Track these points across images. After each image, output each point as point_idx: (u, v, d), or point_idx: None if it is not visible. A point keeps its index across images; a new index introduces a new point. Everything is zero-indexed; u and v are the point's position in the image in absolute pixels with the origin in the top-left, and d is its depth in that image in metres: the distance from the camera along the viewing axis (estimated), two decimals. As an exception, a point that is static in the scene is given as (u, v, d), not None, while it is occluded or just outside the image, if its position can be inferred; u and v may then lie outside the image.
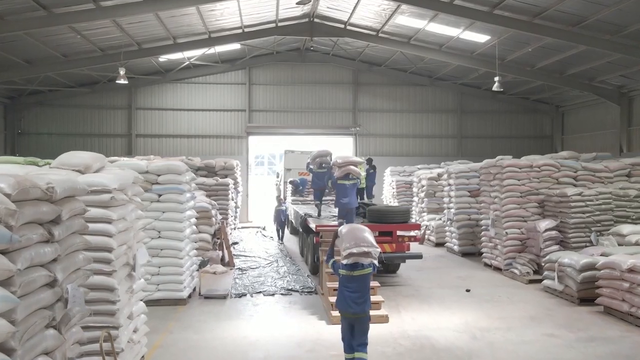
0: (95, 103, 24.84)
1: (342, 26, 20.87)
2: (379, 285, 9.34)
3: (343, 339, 6.18)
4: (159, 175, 9.50)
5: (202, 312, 9.19)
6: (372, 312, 7.88)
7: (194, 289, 10.46)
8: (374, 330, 7.90)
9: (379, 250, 6.25)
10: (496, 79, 18.90)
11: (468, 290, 10.78)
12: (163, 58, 22.46)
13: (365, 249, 5.94)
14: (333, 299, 8.75)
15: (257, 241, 18.65)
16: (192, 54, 22.63)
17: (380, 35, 20.76)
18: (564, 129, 26.43)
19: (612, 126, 22.37)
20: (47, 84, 22.56)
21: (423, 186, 18.89)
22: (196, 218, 13.32)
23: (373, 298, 8.62)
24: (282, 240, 18.41)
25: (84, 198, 4.99)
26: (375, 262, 6.16)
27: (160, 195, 9.51)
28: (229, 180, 19.43)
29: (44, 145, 23.80)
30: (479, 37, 18.80)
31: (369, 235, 6.19)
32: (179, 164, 9.72)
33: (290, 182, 21.37)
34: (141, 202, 6.54)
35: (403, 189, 21.90)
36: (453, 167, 16.51)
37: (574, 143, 24.64)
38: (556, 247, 11.64)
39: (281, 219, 18.49)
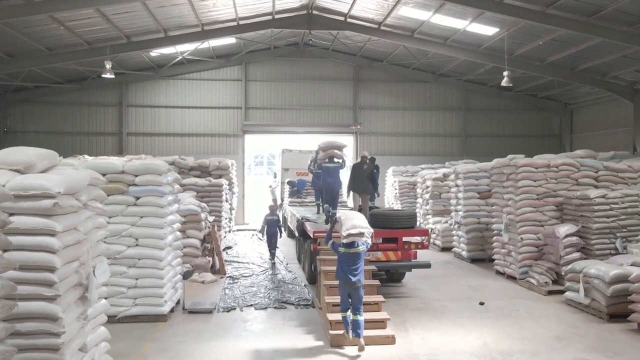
0: (85, 100, 23.79)
1: (342, 19, 19.81)
2: (384, 300, 8.28)
3: (342, 300, 7.49)
4: (136, 176, 8.47)
5: (184, 331, 8.13)
6: (376, 332, 7.29)
7: (178, 302, 9.41)
8: (380, 355, 6.90)
9: (372, 230, 7.72)
10: (505, 73, 17.87)
11: (482, 304, 9.73)
12: (155, 52, 21.44)
13: (360, 230, 7.38)
14: (332, 316, 7.79)
15: (252, 245, 17.59)
16: (185, 49, 21.58)
17: (382, 28, 19.71)
18: (573, 127, 25.41)
19: (624, 124, 21.36)
20: (32, 80, 21.51)
21: (428, 187, 17.87)
22: (184, 222, 12.35)
23: (377, 315, 7.87)
24: (273, 258, 14.23)
25: (17, 205, 3.97)
26: (369, 240, 7.58)
27: (138, 198, 8.47)
28: (223, 181, 18.47)
29: (31, 144, 22.14)
30: (487, 30, 17.76)
31: (362, 220, 7.68)
32: (158, 162, 8.69)
33: (288, 183, 20.43)
34: (102, 208, 5.50)
35: (406, 189, 20.90)
36: (461, 166, 15.47)
37: (584, 142, 23.60)
38: (577, 254, 10.59)
39: (273, 232, 14.17)
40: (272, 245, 14.21)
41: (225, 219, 18.87)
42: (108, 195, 8.25)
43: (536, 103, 25.67)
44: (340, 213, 8.17)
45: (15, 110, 23.39)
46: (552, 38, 16.95)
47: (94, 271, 4.97)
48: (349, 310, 7.39)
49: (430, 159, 23.41)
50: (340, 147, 11.57)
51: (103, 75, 17.82)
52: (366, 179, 10.65)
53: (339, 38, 22.26)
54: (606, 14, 14.50)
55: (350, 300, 7.39)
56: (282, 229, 14.65)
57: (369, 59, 24.78)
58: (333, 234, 7.84)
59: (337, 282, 8.13)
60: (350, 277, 7.29)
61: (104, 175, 8.30)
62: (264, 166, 49.47)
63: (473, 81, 24.77)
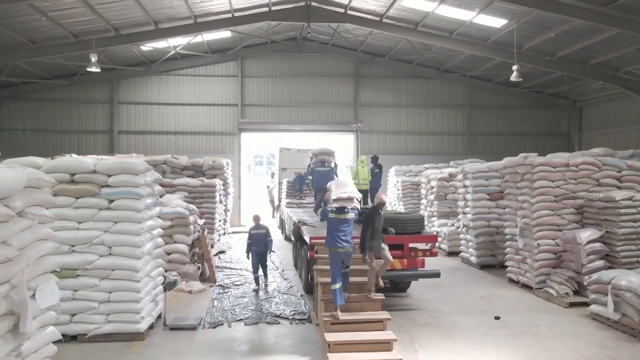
0: (74, 97, 22.83)
1: (342, 10, 18.82)
2: (389, 317, 7.28)
3: (332, 272, 7.40)
4: (109, 176, 7.50)
5: (162, 352, 7.16)
6: (381, 356, 6.68)
7: (160, 316, 8.45)
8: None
9: (360, 196, 8.08)
10: (514, 67, 16.88)
11: (497, 318, 8.77)
12: (146, 47, 20.46)
13: (349, 195, 7.66)
14: (331, 337, 6.80)
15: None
16: (178, 43, 20.60)
17: (384, 20, 18.74)
18: (581, 125, 24.47)
19: (637, 122, 20.45)
20: (18, 75, 20.54)
21: (432, 187, 16.92)
22: (171, 226, 11.49)
23: (381, 335, 6.92)
24: (258, 284, 11.02)
25: None
26: (358, 206, 7.88)
27: (111, 201, 7.50)
28: (217, 181, 17.58)
29: (18, 143, 21.95)
30: (495, 22, 16.80)
31: (351, 187, 8.07)
32: (135, 161, 7.72)
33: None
34: (49, 216, 4.53)
35: (409, 190, 19.96)
36: (469, 166, 14.49)
37: (593, 141, 22.65)
38: (601, 262, 9.65)
39: (260, 250, 10.96)
40: (258, 268, 11.01)
41: (219, 221, 17.97)
42: (77, 198, 7.39)
43: (543, 100, 24.73)
44: (330, 182, 8.61)
45: (2, 107, 22.43)
46: (564, 30, 16.00)
47: (34, 294, 4.01)
48: (340, 284, 7.37)
49: (434, 158, 22.53)
50: (330, 153, 13.18)
51: (88, 69, 16.81)
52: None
53: (339, 32, 21.30)
54: (623, 4, 13.61)
55: (341, 267, 7.53)
56: (272, 247, 11.46)
57: (370, 54, 23.83)
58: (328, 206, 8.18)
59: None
60: (341, 242, 7.41)
61: (73, 175, 7.43)
62: (264, 166, 48.62)
63: (478, 77, 23.84)
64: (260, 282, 11.09)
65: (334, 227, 7.49)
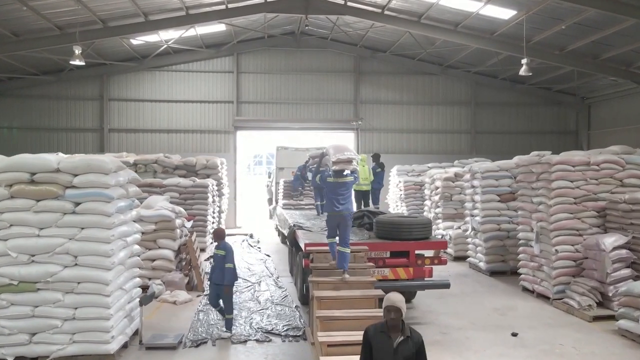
0: (62, 93, 21.89)
1: (342, 2, 17.90)
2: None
3: (329, 228, 7.63)
4: (75, 176, 6.58)
5: (134, 377, 6.28)
6: None
7: (136, 332, 7.52)
8: None
9: (359, 157, 8.40)
10: (524, 61, 15.94)
11: (515, 335, 7.85)
12: (137, 40, 19.56)
13: (349, 157, 7.68)
14: (327, 362, 5.88)
15: (241, 253, 15.65)
16: (170, 36, 19.69)
17: (386, 12, 17.80)
18: (590, 123, 23.55)
19: (650, 119, 19.53)
20: (3, 70, 19.63)
21: (437, 188, 16.01)
22: (155, 230, 10.60)
23: None
24: (230, 328, 7.84)
25: None
26: (357, 168, 8.20)
27: (77, 205, 6.58)
28: (209, 181, 16.68)
29: (4, 141, 20.99)
30: (503, 13, 15.89)
31: (350, 149, 8.08)
32: (104, 159, 6.79)
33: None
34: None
35: (412, 190, 19.02)
36: (477, 165, 13.56)
37: (603, 139, 21.70)
38: (627, 271, 8.73)
39: (217, 277, 7.80)
40: (218, 302, 7.89)
41: (212, 223, 17.05)
42: (38, 201, 6.49)
43: (551, 97, 23.82)
44: (327, 145, 8.69)
45: (-14, 104, 21.58)
46: (577, 21, 15.11)
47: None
48: (336, 238, 7.52)
49: (437, 157, 21.64)
50: (324, 155, 14.29)
51: (72, 62, 15.90)
52: None
53: (339, 25, 20.36)
54: (642, -8, 12.71)
55: (338, 230, 7.53)
56: (232, 280, 7.93)
57: (371, 49, 22.91)
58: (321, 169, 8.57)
59: (333, 314, 6.46)
60: (339, 206, 7.49)
61: (33, 174, 6.51)
62: (264, 165, 47.88)
63: (483, 73, 22.92)
64: (228, 329, 7.85)
65: (332, 192, 7.61)
